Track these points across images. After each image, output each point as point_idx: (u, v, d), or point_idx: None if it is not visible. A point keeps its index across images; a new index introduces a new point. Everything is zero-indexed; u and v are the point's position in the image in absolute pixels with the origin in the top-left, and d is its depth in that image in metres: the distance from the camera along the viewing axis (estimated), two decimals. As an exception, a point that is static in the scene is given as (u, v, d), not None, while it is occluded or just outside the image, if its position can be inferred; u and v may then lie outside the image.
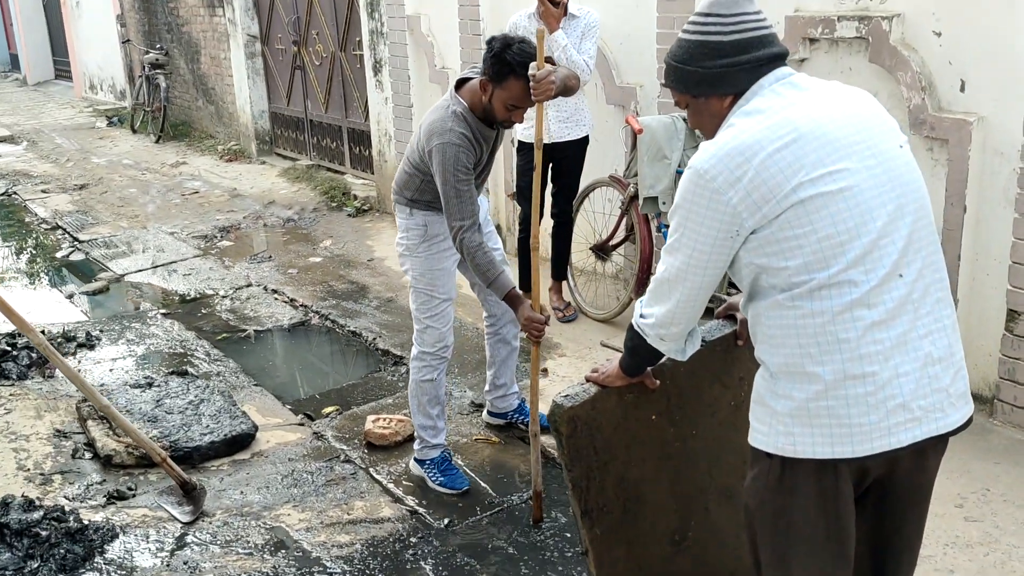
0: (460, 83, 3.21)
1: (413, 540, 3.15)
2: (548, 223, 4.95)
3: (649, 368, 2.21)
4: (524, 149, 4.76)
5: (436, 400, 3.45)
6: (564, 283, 5.07)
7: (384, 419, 3.82)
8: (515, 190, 4.99)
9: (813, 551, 1.84)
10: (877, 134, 1.77)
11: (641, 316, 2.01)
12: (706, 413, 2.42)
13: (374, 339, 4.84)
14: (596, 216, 4.97)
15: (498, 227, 6.06)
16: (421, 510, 3.33)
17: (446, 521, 3.26)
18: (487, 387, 3.83)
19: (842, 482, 1.79)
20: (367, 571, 2.99)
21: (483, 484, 3.48)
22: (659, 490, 2.43)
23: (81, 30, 15.49)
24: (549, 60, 3.11)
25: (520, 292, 3.16)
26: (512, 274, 3.27)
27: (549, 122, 4.62)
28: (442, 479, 3.45)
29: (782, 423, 1.80)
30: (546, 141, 4.64)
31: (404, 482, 3.51)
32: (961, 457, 3.25)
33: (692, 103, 1.91)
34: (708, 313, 2.23)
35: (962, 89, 3.51)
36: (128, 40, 12.74)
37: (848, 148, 1.73)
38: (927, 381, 1.74)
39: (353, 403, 4.18)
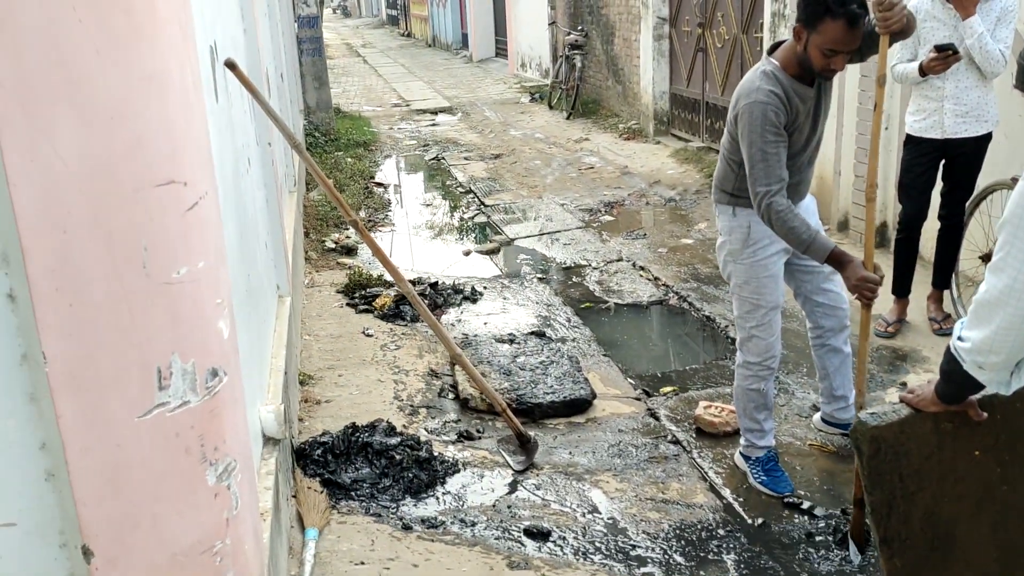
0: (773, 48, 3.04)
1: (721, 532, 3.14)
2: (935, 225, 4.53)
3: (975, 397, 1.99)
4: (912, 143, 4.38)
5: (763, 407, 3.35)
6: (946, 292, 4.60)
7: (716, 407, 3.81)
8: (897, 187, 4.62)
9: None
10: None
11: (959, 339, 1.83)
12: (1047, 459, 2.11)
13: (726, 327, 4.81)
14: (993, 221, 4.42)
15: (883, 224, 5.64)
16: (736, 504, 3.29)
17: (760, 520, 3.19)
18: (823, 398, 3.62)
19: None
20: (669, 551, 3.04)
21: (807, 491, 3.34)
22: (977, 534, 2.18)
23: (519, 12, 16.95)
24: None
25: (844, 254, 2.85)
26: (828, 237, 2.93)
27: (944, 116, 4.20)
28: (764, 478, 3.37)
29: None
30: (939, 136, 4.26)
31: (725, 473, 3.49)
32: None
33: (1045, 105, 1.67)
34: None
35: None
36: (554, 22, 13.70)
37: None
38: None
39: (691, 386, 4.22)
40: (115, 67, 1.42)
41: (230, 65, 2.80)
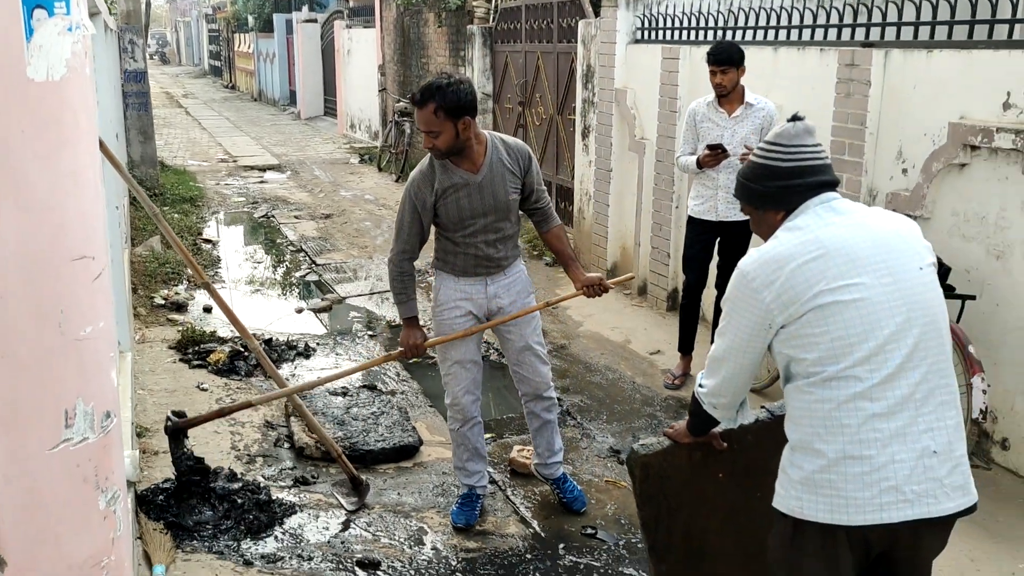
0: None
1: (528, 556, 3.63)
2: (714, 292, 5.30)
3: (716, 430, 2.59)
4: (692, 223, 5.16)
5: (464, 448, 3.81)
6: (722, 350, 5.36)
7: (528, 450, 4.32)
8: (682, 260, 5.38)
9: (820, 603, 2.15)
10: (898, 256, 2.09)
11: (699, 385, 2.41)
12: (771, 479, 2.73)
13: (539, 380, 5.37)
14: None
15: (674, 291, 6.43)
16: (543, 533, 3.80)
17: (561, 546, 3.70)
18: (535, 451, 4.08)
19: (842, 547, 2.09)
20: (483, 574, 3.50)
21: (602, 520, 3.90)
22: (725, 542, 2.76)
23: (350, 75, 17.38)
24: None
25: (412, 322, 3.57)
26: (416, 307, 3.61)
27: (718, 202, 4.99)
28: (453, 508, 3.87)
29: (794, 488, 2.13)
30: (713, 219, 5.04)
31: (533, 507, 3.99)
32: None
33: (753, 213, 2.30)
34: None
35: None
36: (384, 88, 14.25)
37: (867, 266, 2.06)
38: (922, 470, 2.02)
39: (508, 433, 4.73)
40: (47, 167, 1.77)
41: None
